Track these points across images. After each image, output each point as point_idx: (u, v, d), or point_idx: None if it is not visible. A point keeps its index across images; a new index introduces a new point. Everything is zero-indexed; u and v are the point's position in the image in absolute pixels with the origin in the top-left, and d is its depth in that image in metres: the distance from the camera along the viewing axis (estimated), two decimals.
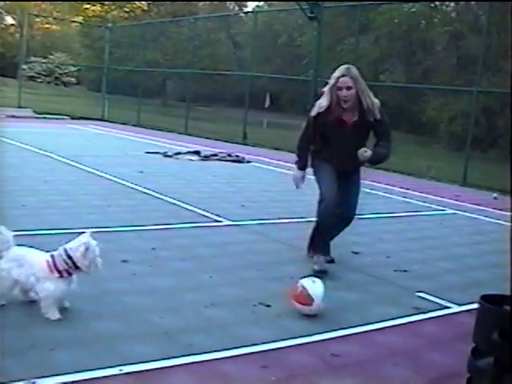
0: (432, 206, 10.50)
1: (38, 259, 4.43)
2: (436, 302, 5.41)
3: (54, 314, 4.29)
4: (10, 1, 58.97)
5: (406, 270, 6.29)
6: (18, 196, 8.48)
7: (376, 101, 5.87)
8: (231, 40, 39.37)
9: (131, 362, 3.78)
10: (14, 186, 9.24)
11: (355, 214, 6.19)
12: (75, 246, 4.35)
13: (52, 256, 4.39)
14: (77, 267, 4.35)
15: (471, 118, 15.14)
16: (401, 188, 12.42)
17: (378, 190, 11.69)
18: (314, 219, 6.10)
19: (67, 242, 4.44)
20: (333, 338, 4.44)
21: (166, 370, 3.74)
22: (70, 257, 4.33)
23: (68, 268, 4.33)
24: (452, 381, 3.92)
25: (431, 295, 5.49)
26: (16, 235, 6.06)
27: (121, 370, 3.67)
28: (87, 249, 4.32)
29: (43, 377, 3.50)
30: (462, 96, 21.48)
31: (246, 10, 44.98)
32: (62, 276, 4.33)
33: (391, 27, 28.72)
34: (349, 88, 5.73)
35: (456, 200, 11.48)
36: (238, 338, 4.29)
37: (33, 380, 3.44)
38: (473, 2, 25.56)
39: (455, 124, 23.08)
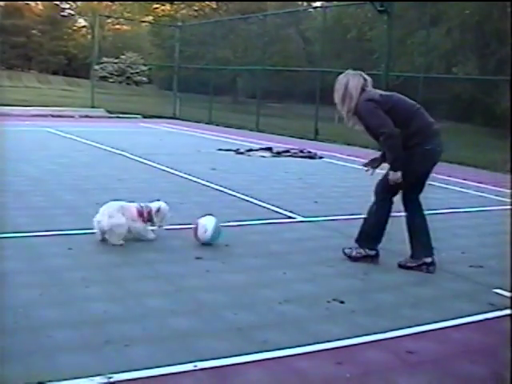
0: (508, 200, 10.25)
1: (131, 208, 6.33)
2: None
3: (150, 235, 6.45)
4: (82, 0, 60.16)
5: (481, 266, 6.17)
6: (92, 194, 8.62)
7: None
8: (301, 36, 39.13)
9: (206, 358, 3.81)
10: (88, 184, 9.44)
11: None
12: (153, 206, 6.43)
13: (140, 206, 6.38)
14: (150, 220, 6.38)
15: None
16: (476, 182, 12.19)
17: (453, 185, 11.52)
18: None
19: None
20: (408, 335, 4.39)
21: (241, 367, 3.76)
22: (149, 211, 6.36)
23: (148, 217, 6.35)
24: None
25: (508, 291, 5.37)
26: (90, 233, 6.22)
27: (195, 365, 3.70)
28: (159, 209, 6.43)
29: (120, 372, 3.56)
30: None
31: (314, 5, 44.69)
32: (144, 221, 6.35)
33: (463, 18, 28.18)
34: None
35: None
36: (313, 334, 4.28)
37: (109, 375, 3.50)
38: None
39: None
